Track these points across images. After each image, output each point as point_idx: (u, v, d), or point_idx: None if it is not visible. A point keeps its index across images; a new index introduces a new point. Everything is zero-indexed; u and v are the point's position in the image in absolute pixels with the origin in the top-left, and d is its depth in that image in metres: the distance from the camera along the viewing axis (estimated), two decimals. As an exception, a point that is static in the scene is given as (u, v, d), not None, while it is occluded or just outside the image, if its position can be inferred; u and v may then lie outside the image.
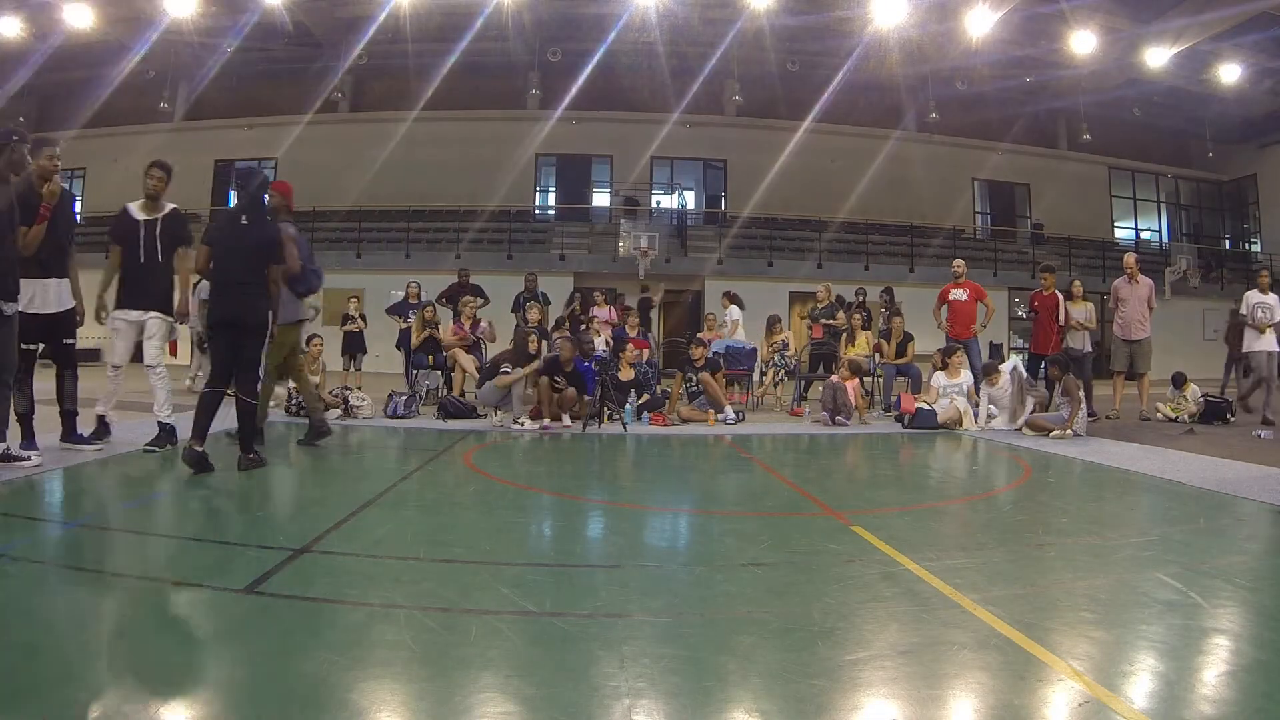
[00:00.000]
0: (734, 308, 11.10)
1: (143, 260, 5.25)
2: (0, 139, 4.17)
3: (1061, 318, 8.84)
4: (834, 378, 8.16)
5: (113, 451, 5.11)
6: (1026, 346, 12.53)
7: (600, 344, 8.98)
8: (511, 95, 20.31)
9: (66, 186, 17.30)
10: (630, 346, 8.50)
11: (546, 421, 7.14)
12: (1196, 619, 2.51)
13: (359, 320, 10.86)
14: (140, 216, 5.28)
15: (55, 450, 4.92)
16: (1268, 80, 18.71)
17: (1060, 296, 9.11)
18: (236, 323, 4.72)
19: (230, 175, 21.24)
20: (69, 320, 4.99)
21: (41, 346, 4.94)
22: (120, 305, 5.27)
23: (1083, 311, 8.85)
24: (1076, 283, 9.16)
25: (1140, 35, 17.07)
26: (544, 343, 8.85)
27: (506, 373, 7.24)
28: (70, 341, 5.07)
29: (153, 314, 5.36)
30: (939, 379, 8.15)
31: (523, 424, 7.15)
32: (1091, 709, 1.85)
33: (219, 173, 20.78)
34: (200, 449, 4.44)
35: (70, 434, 5.07)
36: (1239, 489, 4.62)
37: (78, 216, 5.38)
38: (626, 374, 8.15)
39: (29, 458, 4.41)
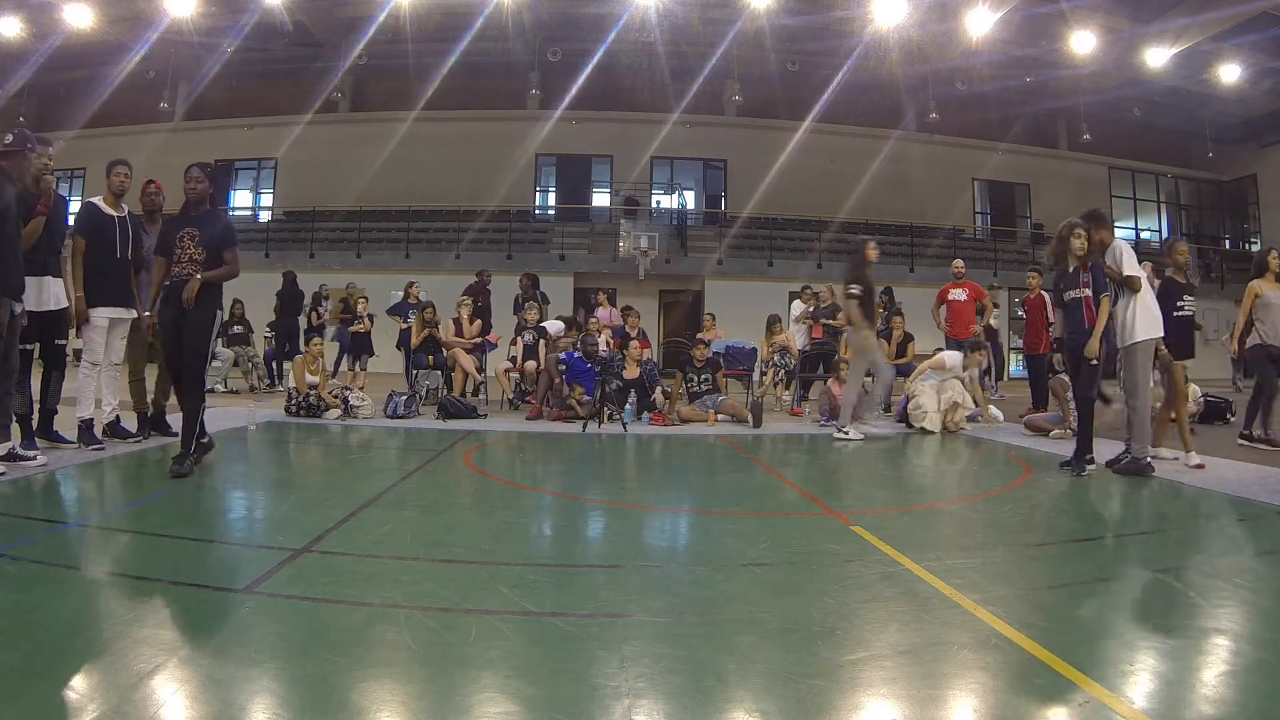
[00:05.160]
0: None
1: (118, 256, 5.28)
2: (15, 143, 4.22)
3: (1051, 316, 8.82)
4: (832, 383, 8.10)
5: (114, 451, 5.12)
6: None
7: (601, 344, 8.97)
8: (511, 95, 20.30)
9: (66, 188, 17.21)
10: (635, 344, 8.50)
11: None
12: (1196, 619, 2.51)
13: (365, 320, 10.82)
14: (112, 213, 5.29)
15: (59, 450, 4.93)
16: (1268, 80, 18.69)
17: (1047, 296, 9.07)
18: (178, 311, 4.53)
19: (232, 175, 21.32)
20: (62, 320, 4.99)
21: (37, 346, 4.94)
22: (106, 303, 5.22)
23: None
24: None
25: (1140, 35, 17.05)
26: (543, 340, 8.88)
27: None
28: (62, 342, 5.07)
29: (132, 311, 5.44)
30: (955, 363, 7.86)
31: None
32: (1091, 709, 1.85)
33: (218, 172, 20.78)
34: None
35: (48, 431, 5.07)
36: (1239, 489, 4.62)
37: (69, 219, 5.36)
38: (631, 371, 8.14)
39: (34, 456, 4.43)
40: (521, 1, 16.82)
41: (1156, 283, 8.81)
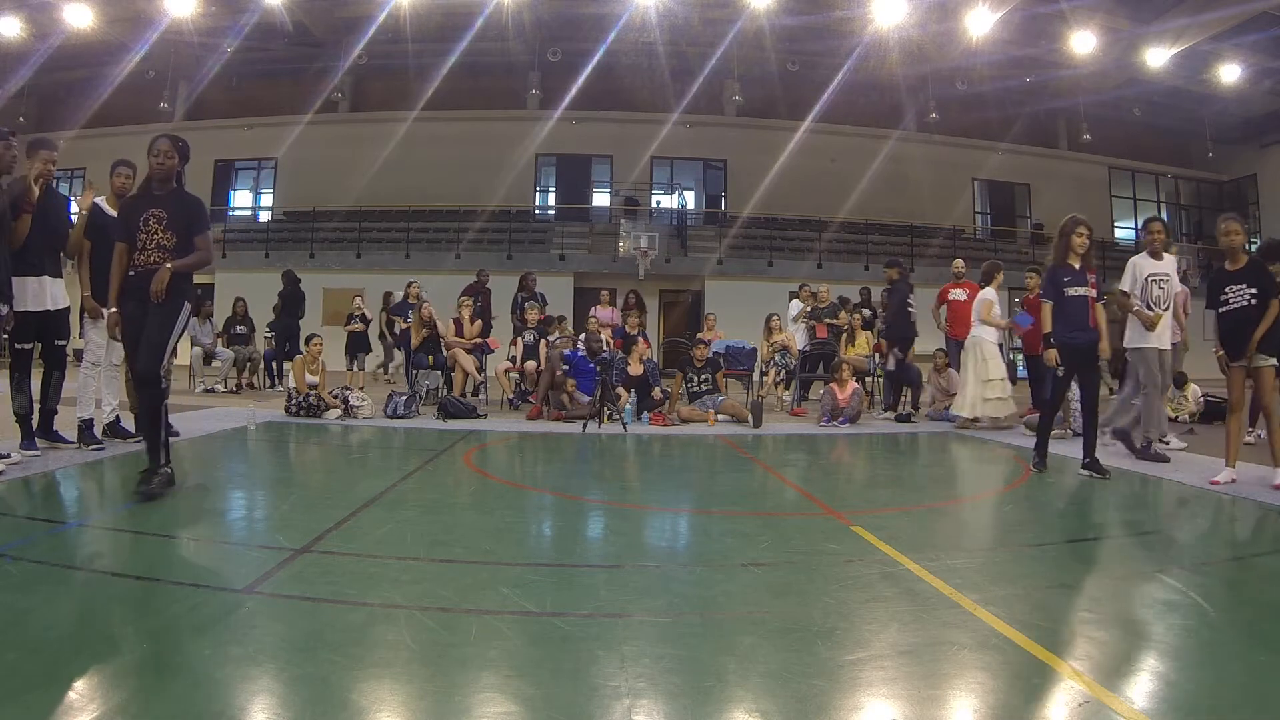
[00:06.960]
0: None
1: None
2: None
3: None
4: (835, 386, 8.08)
5: (114, 451, 5.11)
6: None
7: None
8: (511, 95, 20.29)
9: (66, 188, 17.05)
10: (642, 342, 8.57)
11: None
12: (1196, 619, 2.51)
13: (358, 322, 10.88)
14: (114, 214, 5.23)
15: (59, 450, 4.93)
16: (1268, 80, 18.68)
17: None
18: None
19: (232, 175, 21.35)
20: (62, 320, 4.98)
21: (38, 346, 4.93)
22: (108, 303, 5.20)
23: None
24: None
25: (1140, 35, 17.05)
26: (543, 340, 8.90)
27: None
28: (62, 342, 5.06)
29: None
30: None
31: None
32: (1091, 709, 1.85)
33: (219, 172, 20.79)
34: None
35: (48, 431, 5.07)
36: (1239, 489, 4.61)
37: (72, 219, 5.33)
38: (636, 369, 8.17)
39: (9, 455, 4.42)
40: (521, 1, 16.82)
41: (1181, 288, 8.77)
